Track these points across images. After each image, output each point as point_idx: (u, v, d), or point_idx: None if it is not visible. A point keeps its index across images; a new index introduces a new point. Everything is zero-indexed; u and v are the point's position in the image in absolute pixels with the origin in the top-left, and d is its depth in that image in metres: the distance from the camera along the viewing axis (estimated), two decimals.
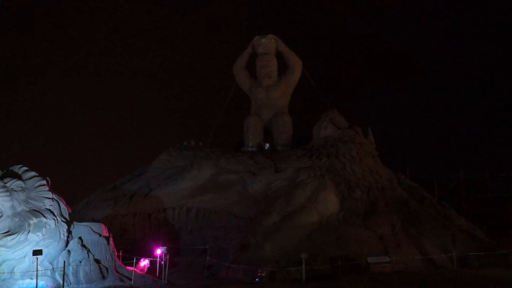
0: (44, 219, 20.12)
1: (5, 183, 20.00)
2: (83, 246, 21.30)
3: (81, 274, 20.56)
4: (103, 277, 21.13)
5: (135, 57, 72.86)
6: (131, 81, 69.11)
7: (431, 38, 71.02)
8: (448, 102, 67.44)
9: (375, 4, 70.67)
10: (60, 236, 20.60)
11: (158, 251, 24.14)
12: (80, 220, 24.80)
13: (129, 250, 25.94)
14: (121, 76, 68.60)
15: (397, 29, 69.49)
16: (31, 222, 19.81)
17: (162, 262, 23.30)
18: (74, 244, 21.09)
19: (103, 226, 23.27)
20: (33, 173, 21.11)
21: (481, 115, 64.97)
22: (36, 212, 20.12)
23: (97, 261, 21.37)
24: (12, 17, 67.66)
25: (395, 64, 68.24)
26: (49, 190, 21.09)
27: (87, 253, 21.17)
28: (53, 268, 20.08)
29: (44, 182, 21.05)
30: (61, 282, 19.65)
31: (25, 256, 19.59)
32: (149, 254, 25.41)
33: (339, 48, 70.49)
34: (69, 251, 20.83)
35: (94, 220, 27.58)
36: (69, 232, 21.22)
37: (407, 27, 70.06)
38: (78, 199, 35.04)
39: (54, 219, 20.49)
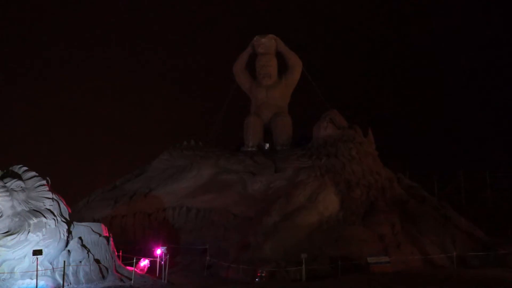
0: (44, 219, 20.15)
1: (5, 183, 20.04)
2: (83, 246, 21.31)
3: (81, 274, 20.58)
4: (103, 277, 21.13)
5: (135, 56, 72.81)
6: (131, 81, 69.08)
7: (431, 37, 71.04)
8: (447, 102, 67.48)
9: (375, 4, 70.72)
10: (60, 236, 20.61)
11: (158, 251, 24.15)
12: (80, 220, 24.80)
13: (129, 250, 25.95)
14: (122, 76, 68.55)
15: (396, 29, 69.47)
16: (31, 222, 19.84)
17: (162, 262, 23.32)
18: (74, 244, 21.11)
19: (103, 226, 23.29)
20: (33, 173, 21.14)
21: (480, 115, 65.04)
22: (36, 212, 20.15)
23: (97, 261, 21.37)
24: (11, 15, 67.64)
25: (394, 64, 68.33)
26: (49, 190, 21.11)
27: (87, 253, 21.18)
28: (53, 268, 20.09)
29: (44, 182, 21.09)
30: (61, 282, 19.67)
31: (25, 256, 19.61)
32: (149, 254, 25.43)
33: (339, 48, 70.55)
34: (69, 251, 20.85)
35: (94, 220, 27.61)
36: (69, 232, 21.23)
37: (406, 27, 70.01)
38: (78, 199, 35.10)
39: (54, 219, 20.52)
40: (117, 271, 22.25)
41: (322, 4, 69.46)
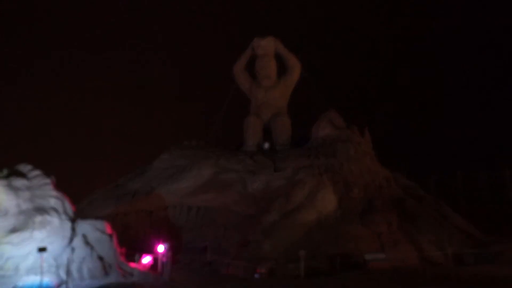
0: (48, 217, 20.48)
1: (11, 181, 20.40)
2: (87, 243, 21.63)
3: (85, 271, 20.89)
4: (106, 274, 21.41)
5: (135, 56, 73.13)
6: (131, 81, 69.40)
7: (431, 37, 71.29)
8: (447, 102, 67.75)
9: (375, 4, 70.98)
10: (64, 233, 20.93)
11: (162, 248, 24.47)
12: (84, 218, 25.08)
13: (130, 247, 26.26)
14: (122, 76, 68.85)
15: (396, 29, 69.75)
16: (36, 220, 20.17)
17: (164, 259, 23.63)
18: (78, 241, 21.43)
19: (106, 223, 23.60)
20: (38, 172, 21.49)
21: (480, 115, 65.30)
22: (41, 210, 20.49)
23: (100, 258, 21.69)
24: (12, 14, 67.91)
25: (394, 64, 68.60)
26: (53, 189, 21.47)
27: (91, 250, 21.52)
28: (57, 265, 20.43)
29: (48, 180, 21.43)
30: (65, 279, 20.03)
31: (29, 253, 19.90)
32: (151, 251, 25.76)
33: (339, 48, 70.82)
34: (73, 248, 21.15)
35: (97, 218, 27.89)
36: (73, 229, 21.56)
37: (406, 27, 70.26)
38: (78, 199, 35.28)
39: (58, 217, 20.86)
40: (120, 268, 22.57)
41: (322, 4, 69.82)
